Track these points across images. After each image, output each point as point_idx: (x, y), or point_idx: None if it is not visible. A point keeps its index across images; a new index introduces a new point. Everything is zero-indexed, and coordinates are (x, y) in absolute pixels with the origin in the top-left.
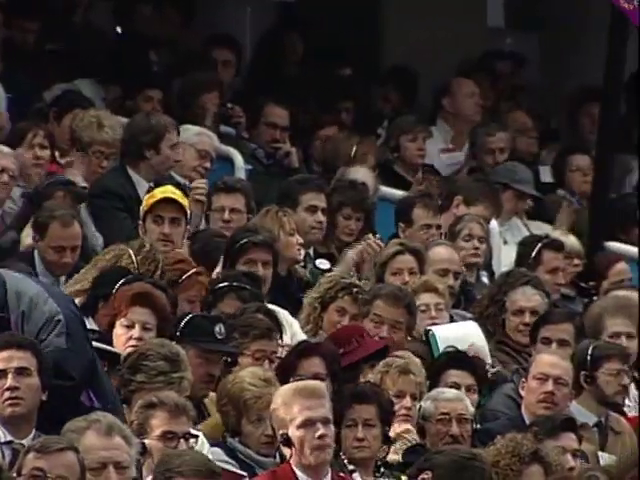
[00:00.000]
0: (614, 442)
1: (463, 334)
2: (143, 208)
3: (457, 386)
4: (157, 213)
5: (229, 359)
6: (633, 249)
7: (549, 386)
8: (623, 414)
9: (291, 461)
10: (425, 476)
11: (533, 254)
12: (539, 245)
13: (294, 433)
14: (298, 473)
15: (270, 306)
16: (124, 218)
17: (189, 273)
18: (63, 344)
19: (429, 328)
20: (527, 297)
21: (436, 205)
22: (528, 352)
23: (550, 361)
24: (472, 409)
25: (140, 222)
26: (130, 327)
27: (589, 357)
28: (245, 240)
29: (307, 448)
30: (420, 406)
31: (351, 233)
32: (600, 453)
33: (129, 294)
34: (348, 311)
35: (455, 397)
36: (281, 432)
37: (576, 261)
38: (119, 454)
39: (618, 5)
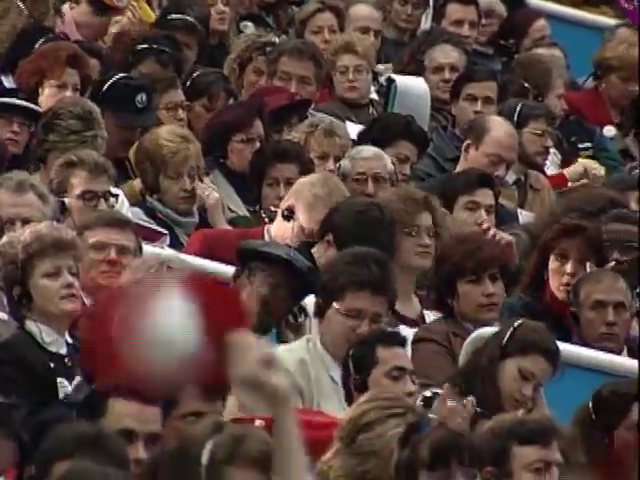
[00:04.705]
0: (533, 199)
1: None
2: None
3: None
4: None
5: None
6: (554, 6)
7: (502, 171)
8: (543, 173)
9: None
10: (328, 238)
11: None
12: None
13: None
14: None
15: None
16: None
17: None
18: None
19: (393, 77)
20: (445, 53)
21: None
22: (447, 110)
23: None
24: (391, 167)
25: None
26: (62, 87)
27: (516, 115)
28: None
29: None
30: (339, 165)
31: None
32: (519, 210)
33: (63, 55)
34: (264, 71)
35: (374, 156)
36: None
37: (496, 20)
38: (28, 211)
39: (618, 4)
